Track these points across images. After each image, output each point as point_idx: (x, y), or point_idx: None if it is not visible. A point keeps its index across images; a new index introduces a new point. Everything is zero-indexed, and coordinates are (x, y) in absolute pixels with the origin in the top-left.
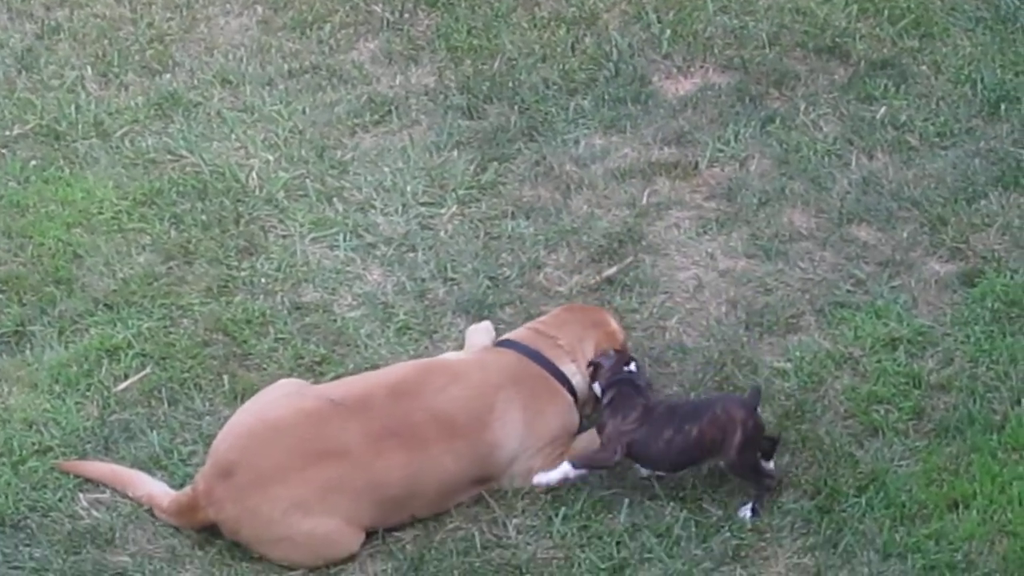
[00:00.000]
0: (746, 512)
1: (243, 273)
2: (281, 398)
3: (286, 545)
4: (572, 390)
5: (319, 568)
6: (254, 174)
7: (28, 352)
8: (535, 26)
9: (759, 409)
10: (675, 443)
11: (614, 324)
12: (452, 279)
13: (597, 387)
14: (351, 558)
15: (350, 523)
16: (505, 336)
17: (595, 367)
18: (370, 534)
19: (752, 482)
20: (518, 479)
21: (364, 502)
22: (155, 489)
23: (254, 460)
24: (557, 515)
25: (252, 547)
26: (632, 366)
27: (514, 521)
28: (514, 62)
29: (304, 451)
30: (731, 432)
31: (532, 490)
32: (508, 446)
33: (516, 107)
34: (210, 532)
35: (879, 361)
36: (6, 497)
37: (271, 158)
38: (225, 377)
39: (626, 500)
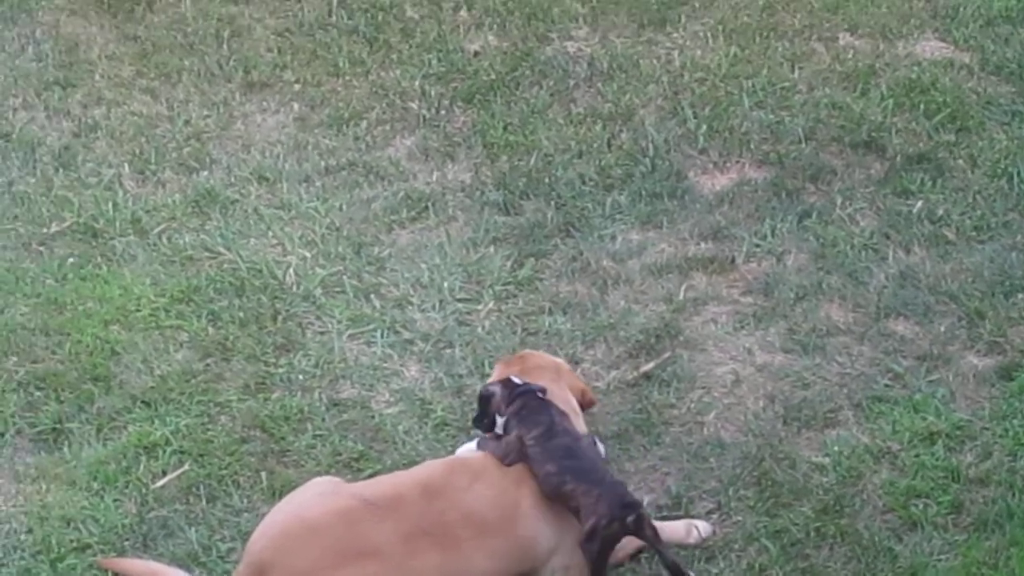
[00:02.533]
0: None
1: (281, 370)
2: (315, 497)
3: None
4: None
5: None
6: (291, 271)
7: (66, 449)
8: (571, 122)
9: (631, 522)
10: (550, 481)
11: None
12: (490, 375)
13: (500, 420)
14: None
15: None
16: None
17: (488, 399)
18: None
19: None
20: (559, 574)
21: None
22: None
23: (289, 560)
24: None
25: None
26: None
27: None
28: (550, 158)
29: (339, 550)
30: (588, 515)
31: None
32: (545, 538)
33: (552, 203)
34: None
35: (917, 455)
36: None
37: (308, 255)
38: (263, 474)
39: None
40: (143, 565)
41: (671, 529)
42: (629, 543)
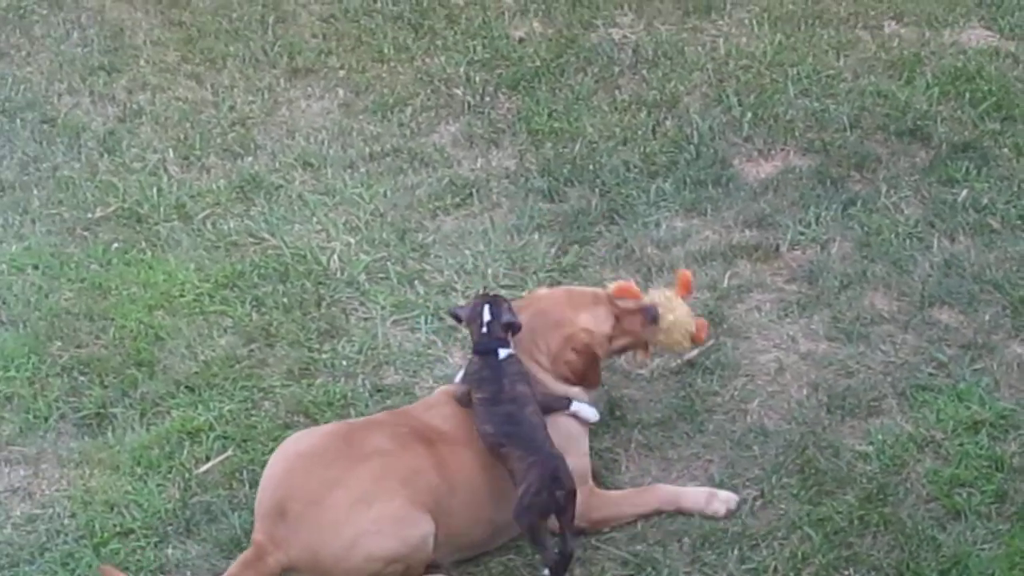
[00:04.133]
0: (544, 572)
1: (324, 356)
2: (299, 437)
3: (365, 541)
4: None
5: (414, 561)
6: (335, 256)
7: (110, 434)
8: (616, 109)
9: (560, 496)
10: (487, 439)
11: (582, 321)
12: None
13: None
14: (431, 547)
15: (413, 504)
16: None
17: (456, 319)
18: None
19: (531, 545)
20: None
21: (413, 487)
22: None
23: (301, 487)
24: None
25: (338, 570)
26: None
27: None
28: (595, 145)
29: (344, 458)
30: (520, 480)
31: (611, 574)
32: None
33: (597, 190)
34: None
35: (961, 444)
36: None
37: (352, 241)
38: None
39: None
40: None
41: (692, 497)
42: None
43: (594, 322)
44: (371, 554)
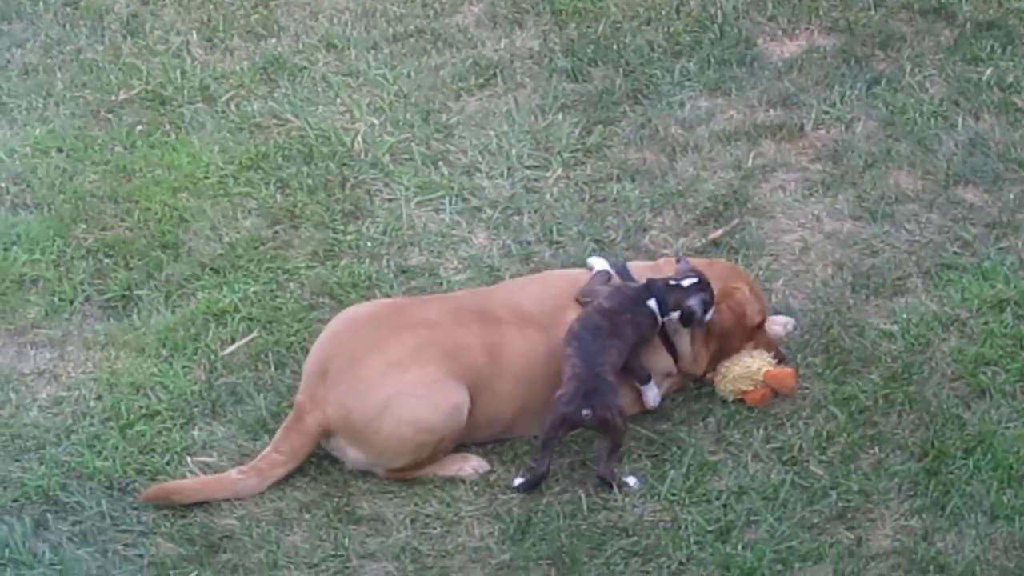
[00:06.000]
0: (517, 480)
1: (349, 237)
2: (358, 305)
3: (396, 403)
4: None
5: (445, 430)
6: (359, 138)
7: (135, 317)
8: None
9: (587, 415)
10: (567, 332)
11: (745, 289)
12: (557, 242)
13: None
14: (463, 419)
15: (449, 374)
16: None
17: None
18: (478, 496)
19: (539, 449)
20: None
21: (454, 360)
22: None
23: (343, 349)
24: (663, 477)
25: (368, 431)
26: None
27: None
28: (619, 25)
29: (390, 326)
30: (562, 383)
31: (636, 454)
32: None
33: (621, 70)
34: (317, 495)
35: (986, 323)
36: (114, 461)
37: (376, 122)
38: None
39: (730, 462)
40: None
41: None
42: None
43: (751, 298)
44: (401, 417)
